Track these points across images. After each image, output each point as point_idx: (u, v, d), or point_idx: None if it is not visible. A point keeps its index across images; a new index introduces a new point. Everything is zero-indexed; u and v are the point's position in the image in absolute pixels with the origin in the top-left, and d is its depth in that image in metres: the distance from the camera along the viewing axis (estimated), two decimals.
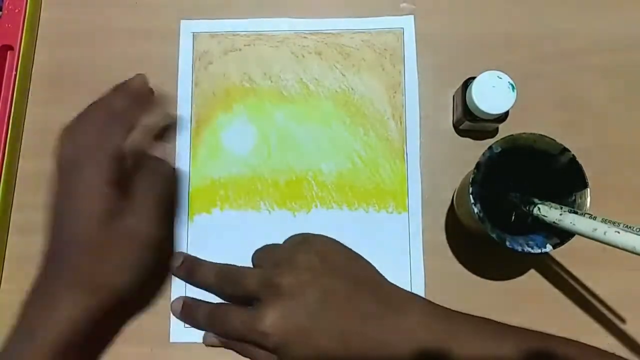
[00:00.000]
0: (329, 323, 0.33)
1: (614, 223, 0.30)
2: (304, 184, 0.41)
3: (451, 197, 0.40)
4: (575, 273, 0.40)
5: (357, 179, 0.41)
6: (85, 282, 0.32)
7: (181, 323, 0.39)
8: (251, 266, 0.38)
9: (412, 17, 0.44)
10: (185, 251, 0.40)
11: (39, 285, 0.33)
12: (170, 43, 0.44)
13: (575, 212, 0.32)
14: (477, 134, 0.42)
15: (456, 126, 0.42)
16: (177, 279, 0.40)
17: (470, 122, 0.39)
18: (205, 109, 0.42)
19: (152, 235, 0.33)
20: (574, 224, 0.31)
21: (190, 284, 0.39)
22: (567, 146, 0.33)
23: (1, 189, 0.40)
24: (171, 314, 0.39)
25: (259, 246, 0.39)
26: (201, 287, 0.38)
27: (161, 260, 0.36)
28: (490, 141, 0.40)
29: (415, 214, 0.41)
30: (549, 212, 0.33)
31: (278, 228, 0.40)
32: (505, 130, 0.40)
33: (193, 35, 0.44)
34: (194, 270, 0.38)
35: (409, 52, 0.43)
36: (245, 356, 0.36)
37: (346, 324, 0.33)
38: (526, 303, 0.39)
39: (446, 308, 0.34)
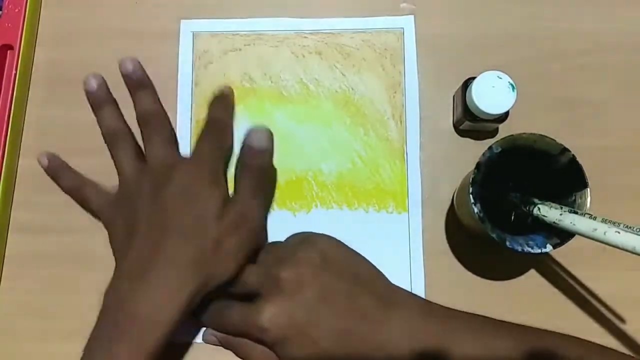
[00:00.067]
0: (327, 320, 0.33)
1: (614, 223, 0.30)
2: (304, 184, 0.41)
3: (451, 197, 0.40)
4: (575, 273, 0.40)
5: (357, 179, 0.41)
6: (196, 275, 0.32)
7: None
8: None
9: (412, 17, 0.44)
10: None
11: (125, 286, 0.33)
12: (170, 43, 0.44)
13: (575, 212, 0.32)
14: (477, 134, 0.42)
15: (456, 126, 0.42)
16: None
17: (470, 122, 0.39)
18: (205, 109, 0.42)
19: (257, 221, 0.35)
20: (574, 224, 0.31)
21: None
22: (567, 146, 0.33)
23: (1, 188, 0.40)
24: None
25: None
26: None
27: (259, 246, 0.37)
28: (490, 141, 0.40)
29: (415, 214, 0.41)
30: (549, 212, 0.33)
31: (278, 228, 0.40)
32: (505, 130, 0.40)
33: (193, 34, 0.44)
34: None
35: (409, 52, 0.43)
36: (241, 357, 0.36)
37: (344, 322, 0.33)
38: (526, 303, 0.39)
39: (445, 307, 0.34)
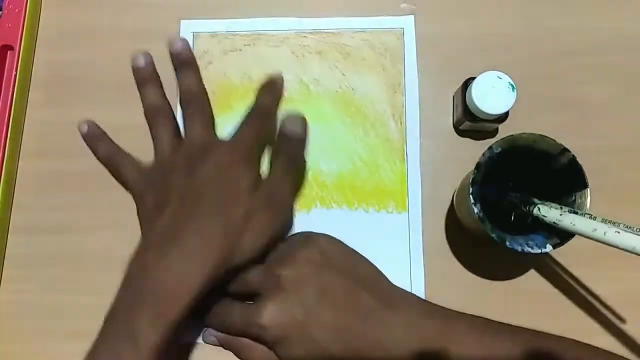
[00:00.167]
0: (327, 319, 0.33)
1: (614, 223, 0.30)
2: (304, 184, 0.41)
3: (451, 197, 0.40)
4: (575, 273, 0.40)
5: (357, 179, 0.41)
6: (222, 249, 0.32)
7: None
8: None
9: (412, 17, 0.44)
10: None
11: (148, 260, 0.33)
12: None
13: (575, 212, 0.32)
14: (477, 134, 0.42)
15: (456, 126, 0.42)
16: None
17: (470, 122, 0.39)
18: None
19: (286, 204, 0.36)
20: (574, 224, 0.31)
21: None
22: (567, 146, 0.33)
23: (1, 188, 0.40)
24: None
25: None
26: None
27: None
28: (490, 141, 0.40)
29: (415, 214, 0.41)
30: (549, 212, 0.33)
31: None
32: (505, 130, 0.40)
33: (193, 35, 0.44)
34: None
35: (409, 52, 0.43)
36: (242, 358, 0.36)
37: (344, 321, 0.33)
38: (526, 303, 0.39)
39: (444, 307, 0.34)
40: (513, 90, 0.37)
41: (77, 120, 0.43)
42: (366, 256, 0.37)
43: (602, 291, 0.39)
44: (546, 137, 0.34)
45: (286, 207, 0.36)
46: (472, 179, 0.33)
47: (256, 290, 0.34)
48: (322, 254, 0.35)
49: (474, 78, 0.38)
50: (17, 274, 0.41)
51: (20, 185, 0.42)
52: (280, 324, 0.32)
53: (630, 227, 0.29)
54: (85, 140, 0.41)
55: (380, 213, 0.41)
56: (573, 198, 0.34)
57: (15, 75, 0.42)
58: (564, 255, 0.39)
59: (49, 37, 0.45)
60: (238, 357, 0.36)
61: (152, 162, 0.38)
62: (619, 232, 0.29)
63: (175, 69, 0.40)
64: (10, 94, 0.42)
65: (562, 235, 0.33)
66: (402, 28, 0.44)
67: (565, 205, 0.33)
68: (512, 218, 0.36)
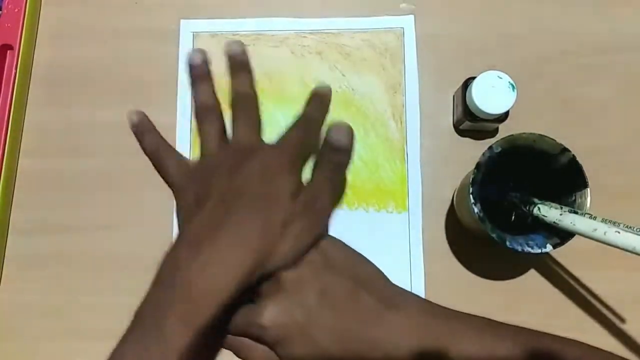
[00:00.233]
0: (328, 319, 0.33)
1: (614, 223, 0.30)
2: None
3: (451, 197, 0.40)
4: (575, 273, 0.40)
5: (357, 178, 0.41)
6: (258, 254, 0.32)
7: None
8: None
9: (412, 17, 0.44)
10: None
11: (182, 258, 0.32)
12: (170, 43, 0.44)
13: (575, 212, 0.32)
14: (477, 134, 0.42)
15: (456, 126, 0.42)
16: None
17: (471, 122, 0.39)
18: None
19: (325, 212, 0.35)
20: (574, 224, 0.31)
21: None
22: (567, 146, 0.33)
23: (1, 188, 0.40)
24: None
25: None
26: None
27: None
28: (490, 141, 0.40)
29: (415, 214, 0.41)
30: (549, 212, 0.33)
31: None
32: (505, 130, 0.40)
33: (193, 35, 0.44)
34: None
35: (409, 52, 0.43)
36: (242, 358, 0.36)
37: (345, 322, 0.33)
38: (526, 303, 0.39)
39: (444, 307, 0.34)
40: (513, 90, 0.37)
41: (77, 120, 0.43)
42: (366, 256, 0.37)
43: (602, 291, 0.39)
44: (546, 137, 0.34)
45: (325, 215, 0.36)
46: (472, 179, 0.33)
47: (257, 290, 0.34)
48: (323, 255, 0.35)
49: (474, 78, 0.38)
50: (17, 274, 0.41)
51: (20, 185, 0.42)
52: (280, 324, 0.32)
53: (630, 227, 0.29)
54: (133, 130, 0.41)
55: (380, 213, 0.41)
56: (573, 198, 0.34)
57: (15, 74, 0.42)
58: (564, 255, 0.39)
59: (49, 36, 0.45)
60: (238, 356, 0.36)
61: (197, 159, 0.38)
62: (619, 232, 0.29)
63: (230, 70, 0.40)
64: (10, 93, 0.42)
65: (562, 235, 0.33)
66: (402, 28, 0.44)
67: (565, 205, 0.33)
68: (512, 218, 0.36)
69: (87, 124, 0.43)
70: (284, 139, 0.37)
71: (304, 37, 0.44)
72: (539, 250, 0.33)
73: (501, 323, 0.33)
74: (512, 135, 0.34)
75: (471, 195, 0.33)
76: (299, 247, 0.34)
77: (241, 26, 0.44)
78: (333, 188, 0.37)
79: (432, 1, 0.44)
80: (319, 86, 0.39)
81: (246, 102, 0.39)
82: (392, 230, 0.41)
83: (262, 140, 0.38)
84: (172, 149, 0.40)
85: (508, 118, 0.39)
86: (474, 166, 0.34)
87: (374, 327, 0.32)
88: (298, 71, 0.43)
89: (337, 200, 0.40)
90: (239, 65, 0.40)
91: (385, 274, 0.37)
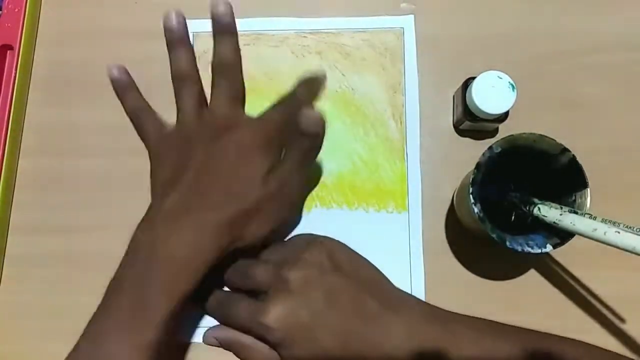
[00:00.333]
0: (332, 322, 0.33)
1: (614, 223, 0.30)
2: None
3: (451, 197, 0.40)
4: (575, 273, 0.40)
5: (357, 178, 0.41)
6: (233, 229, 0.33)
7: None
8: None
9: (412, 16, 0.44)
10: None
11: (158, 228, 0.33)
12: None
13: (575, 212, 0.32)
14: (477, 134, 0.42)
15: (456, 126, 0.42)
16: None
17: (470, 122, 0.39)
18: None
19: (294, 194, 0.36)
20: (574, 224, 0.31)
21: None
22: (567, 146, 0.33)
23: (1, 188, 0.40)
24: None
25: None
26: None
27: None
28: (490, 141, 0.40)
29: (415, 214, 0.41)
30: (549, 212, 0.33)
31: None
32: (505, 130, 0.40)
33: (193, 35, 0.44)
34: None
35: (409, 52, 0.43)
36: (241, 358, 0.36)
37: (348, 324, 0.33)
38: (526, 303, 0.39)
39: (445, 310, 0.34)
40: (513, 90, 0.37)
41: (77, 120, 0.43)
42: (366, 256, 0.37)
43: (602, 291, 0.39)
44: (546, 137, 0.34)
45: (293, 200, 0.37)
46: (472, 179, 0.33)
47: (263, 288, 0.34)
48: (330, 258, 0.35)
49: (474, 78, 0.38)
50: (17, 274, 0.41)
51: (20, 184, 0.42)
52: (286, 325, 0.32)
53: (630, 227, 0.29)
54: (113, 86, 0.40)
55: (380, 213, 0.41)
56: (573, 198, 0.34)
57: (15, 74, 0.42)
58: (564, 255, 0.39)
59: (49, 36, 0.45)
60: (238, 357, 0.36)
61: (174, 125, 0.38)
62: (619, 232, 0.29)
63: (213, 35, 0.38)
64: (10, 93, 0.42)
65: (562, 235, 0.33)
66: (402, 27, 0.44)
67: (565, 205, 0.33)
68: (512, 218, 0.36)
69: (87, 124, 0.43)
70: (264, 116, 0.36)
71: (304, 37, 0.44)
72: (539, 250, 0.33)
73: (501, 324, 0.33)
74: (512, 135, 0.34)
75: (471, 195, 0.33)
76: (266, 228, 0.35)
77: (241, 26, 0.44)
78: (304, 173, 0.37)
79: (432, 1, 0.44)
80: (314, 70, 0.38)
81: (228, 70, 0.38)
82: (392, 230, 0.41)
83: (242, 112, 0.38)
84: (152, 111, 0.40)
85: (508, 118, 0.39)
86: (474, 166, 0.34)
87: (375, 329, 0.33)
88: (298, 71, 0.43)
89: (305, 187, 0.40)
90: (224, 27, 0.38)
91: (385, 274, 0.37)
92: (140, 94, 0.40)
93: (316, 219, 0.41)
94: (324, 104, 0.43)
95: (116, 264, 0.40)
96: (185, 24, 0.39)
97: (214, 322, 0.38)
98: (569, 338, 0.32)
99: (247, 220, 0.33)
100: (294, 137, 0.35)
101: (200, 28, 0.44)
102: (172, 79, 0.39)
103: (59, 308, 0.40)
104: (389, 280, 0.36)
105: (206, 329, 0.38)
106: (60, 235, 0.41)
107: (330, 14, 0.44)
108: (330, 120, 0.42)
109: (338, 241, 0.37)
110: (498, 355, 0.31)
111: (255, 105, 0.43)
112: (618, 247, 0.28)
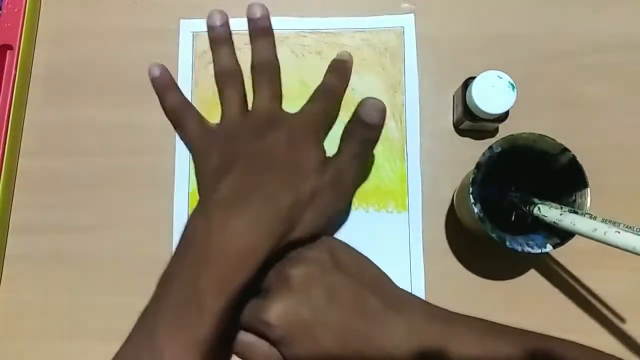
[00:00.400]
0: (333, 320, 0.33)
1: (614, 223, 0.30)
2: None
3: (451, 197, 0.40)
4: (575, 273, 0.40)
5: None
6: (287, 221, 0.33)
7: None
8: None
9: (412, 16, 0.44)
10: None
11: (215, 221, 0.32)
12: (170, 43, 0.44)
13: (576, 212, 0.32)
14: (477, 134, 0.42)
15: (456, 126, 0.42)
16: None
17: (471, 121, 0.39)
18: (205, 108, 0.42)
19: (350, 186, 0.37)
20: (574, 224, 0.31)
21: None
22: (567, 146, 0.33)
23: (1, 188, 0.40)
24: None
25: None
26: None
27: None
28: (490, 141, 0.40)
29: (415, 213, 0.41)
30: (549, 212, 0.33)
31: None
32: (505, 130, 0.40)
33: (193, 34, 0.44)
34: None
35: (409, 51, 0.43)
36: (245, 358, 0.36)
37: (349, 322, 0.33)
38: (526, 303, 0.39)
39: (446, 310, 0.34)
40: (513, 90, 0.37)
41: (77, 120, 0.43)
42: (366, 256, 0.37)
43: (602, 291, 0.39)
44: (546, 136, 0.34)
45: (349, 191, 0.37)
46: (472, 179, 0.33)
47: (264, 286, 0.34)
48: (332, 256, 0.35)
49: (474, 78, 0.38)
50: (17, 274, 0.41)
51: (20, 184, 0.42)
52: (287, 323, 0.32)
53: (630, 227, 0.29)
54: (153, 85, 0.40)
55: (380, 213, 0.41)
56: (573, 198, 0.34)
57: (15, 74, 0.42)
58: (564, 255, 0.40)
59: (49, 36, 0.45)
60: (239, 356, 0.36)
61: (218, 123, 0.38)
62: (619, 232, 0.29)
63: (250, 37, 0.39)
64: (9, 93, 0.42)
65: (562, 235, 0.33)
66: (402, 27, 0.44)
67: (566, 205, 0.33)
68: (512, 218, 0.36)
69: (87, 124, 0.43)
70: (307, 109, 0.38)
71: (304, 36, 0.44)
72: (539, 250, 0.33)
73: (502, 325, 0.33)
74: (512, 135, 0.34)
75: (471, 195, 0.33)
76: (322, 219, 0.34)
77: (241, 26, 0.44)
78: (358, 164, 0.37)
79: (432, 1, 0.44)
80: (340, 54, 0.39)
81: (268, 70, 0.39)
82: (392, 230, 0.41)
83: (281, 108, 0.38)
84: (193, 108, 0.40)
85: (508, 118, 0.39)
86: (474, 166, 0.34)
87: (377, 327, 0.32)
88: (298, 71, 0.43)
89: (361, 176, 0.40)
90: (260, 30, 0.40)
91: (386, 273, 0.37)
92: (181, 92, 0.40)
93: None
94: None
95: (116, 264, 0.41)
96: (229, 23, 0.40)
97: None
98: (569, 340, 0.32)
99: (302, 210, 0.33)
100: (353, 127, 0.36)
101: (200, 28, 0.44)
102: (216, 76, 0.39)
103: (59, 308, 0.40)
104: (390, 280, 0.36)
105: None
106: (60, 235, 0.41)
107: (330, 13, 0.44)
108: None
109: (339, 240, 0.37)
110: (499, 356, 0.31)
111: None
112: (618, 247, 0.28)
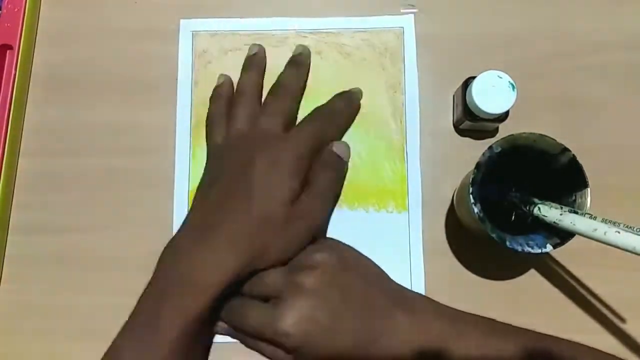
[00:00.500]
0: (349, 322, 0.33)
1: (614, 223, 0.30)
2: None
3: (451, 197, 0.40)
4: (575, 273, 0.40)
5: (357, 178, 0.41)
6: (254, 249, 0.33)
7: None
8: None
9: (412, 16, 0.44)
10: None
11: (185, 247, 0.33)
12: (170, 42, 0.44)
13: (576, 212, 0.32)
14: (477, 134, 0.42)
15: (456, 126, 0.42)
16: None
17: (471, 121, 0.39)
18: (205, 108, 0.42)
19: (321, 219, 0.37)
20: (574, 224, 0.31)
21: None
22: (567, 146, 0.33)
23: (1, 188, 0.40)
24: None
25: None
26: None
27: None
28: (490, 141, 0.40)
29: (415, 213, 0.41)
30: (549, 212, 0.33)
31: None
32: (505, 130, 0.40)
33: (193, 34, 0.44)
34: None
35: (409, 52, 0.43)
36: (258, 350, 0.35)
37: (362, 321, 0.33)
38: (526, 303, 0.39)
39: (452, 308, 0.34)
40: (513, 90, 0.37)
41: (77, 120, 0.43)
42: (366, 255, 0.37)
43: (602, 291, 0.39)
44: (546, 136, 0.34)
45: (318, 224, 0.37)
46: (472, 179, 0.33)
47: (275, 294, 0.34)
48: (339, 258, 0.35)
49: (474, 77, 0.38)
50: (17, 274, 0.41)
51: (20, 184, 0.42)
52: (305, 329, 0.32)
53: (630, 227, 0.29)
54: (215, 90, 0.42)
55: (380, 213, 0.41)
56: (573, 198, 0.34)
57: (15, 74, 0.42)
58: (564, 255, 0.39)
59: (48, 36, 0.45)
60: (253, 349, 0.36)
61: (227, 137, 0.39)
62: (619, 232, 0.29)
63: (286, 64, 0.42)
64: (9, 93, 0.42)
65: (562, 235, 0.33)
66: (402, 27, 0.44)
67: (566, 205, 0.33)
68: (512, 218, 0.36)
69: (87, 124, 0.43)
70: (300, 128, 0.38)
71: (304, 36, 0.44)
72: (539, 250, 0.33)
73: (508, 325, 0.33)
74: (512, 135, 0.34)
75: (471, 195, 0.33)
76: (290, 251, 0.34)
77: (241, 26, 0.44)
78: (330, 197, 0.38)
79: (432, 1, 0.44)
80: (353, 88, 0.42)
81: (283, 91, 0.40)
82: (392, 230, 0.41)
83: (281, 129, 0.38)
84: (223, 120, 0.40)
85: (508, 118, 0.39)
86: (474, 166, 0.34)
87: (386, 325, 0.32)
88: None
89: (332, 207, 0.41)
90: (295, 62, 0.42)
91: (385, 272, 0.37)
92: (226, 104, 0.41)
93: None
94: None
95: (116, 264, 0.41)
96: (265, 57, 0.42)
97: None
98: (572, 341, 0.32)
99: (270, 237, 0.34)
100: (324, 162, 0.37)
101: (200, 27, 0.44)
102: (235, 92, 0.41)
103: (59, 308, 0.40)
104: (390, 277, 0.36)
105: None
106: (60, 235, 0.41)
107: (330, 14, 0.44)
108: None
109: (341, 242, 0.37)
110: (505, 355, 0.31)
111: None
112: (618, 247, 0.28)
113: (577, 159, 0.33)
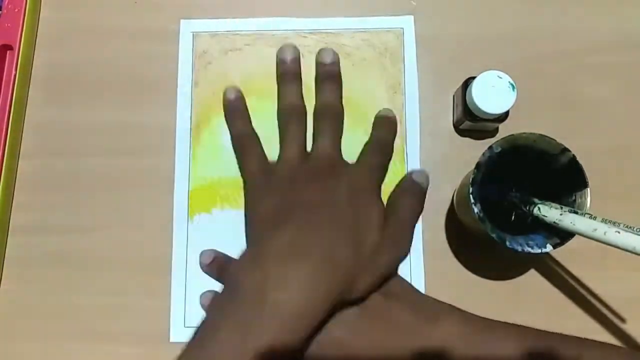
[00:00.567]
0: (366, 335, 0.30)
1: (614, 223, 0.30)
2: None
3: (451, 197, 0.40)
4: (575, 273, 0.40)
5: None
6: (348, 277, 0.29)
7: (181, 322, 0.39)
8: None
9: (411, 16, 0.44)
10: (184, 251, 0.40)
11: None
12: (170, 43, 0.44)
13: (576, 212, 0.32)
14: (477, 134, 0.42)
15: (456, 126, 0.42)
16: (176, 277, 0.40)
17: (471, 122, 0.39)
18: (205, 108, 0.42)
19: (409, 247, 0.33)
20: (574, 224, 0.31)
21: (219, 280, 0.37)
22: (567, 146, 0.33)
23: (1, 189, 0.40)
24: (171, 313, 0.39)
25: None
26: None
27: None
28: (490, 141, 0.40)
29: None
30: (549, 212, 0.33)
31: None
32: (505, 130, 0.40)
33: (193, 34, 0.44)
34: (225, 268, 0.37)
35: (408, 52, 0.43)
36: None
37: (383, 336, 0.31)
38: (526, 303, 0.39)
39: (480, 317, 0.32)
40: (513, 90, 0.37)
41: (77, 120, 0.43)
42: None
43: (602, 291, 0.39)
44: (546, 136, 0.34)
45: (406, 250, 0.33)
46: (472, 179, 0.33)
47: None
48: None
49: (474, 78, 0.38)
50: (17, 274, 0.41)
51: (20, 185, 0.42)
52: (320, 344, 0.30)
53: (630, 227, 0.29)
54: (226, 108, 0.40)
55: None
56: (573, 198, 0.34)
57: (15, 75, 0.42)
58: (564, 255, 0.40)
59: (49, 36, 0.45)
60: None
61: (276, 163, 0.36)
62: (619, 232, 0.29)
63: (317, 79, 0.40)
64: (9, 93, 0.42)
65: (562, 235, 0.33)
66: (402, 28, 0.44)
67: (566, 205, 0.33)
68: (512, 218, 0.36)
69: (87, 124, 0.43)
70: (363, 161, 0.36)
71: (304, 37, 0.44)
72: (539, 250, 0.33)
73: (540, 331, 0.31)
74: (512, 135, 0.34)
75: (471, 195, 0.33)
76: (380, 278, 0.31)
77: (241, 26, 0.44)
78: (415, 223, 0.34)
79: (432, 1, 0.44)
80: (385, 110, 0.40)
81: (333, 115, 0.38)
82: None
83: (343, 158, 0.37)
84: (257, 142, 0.39)
85: (508, 118, 0.39)
86: (474, 166, 0.34)
87: (413, 341, 0.30)
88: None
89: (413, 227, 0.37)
90: (328, 74, 0.40)
91: (409, 282, 0.35)
92: (250, 122, 0.40)
93: None
94: None
95: (116, 264, 0.41)
96: (299, 59, 0.39)
97: None
98: (611, 344, 0.31)
99: (361, 269, 0.30)
100: (405, 187, 0.34)
101: (200, 28, 0.44)
102: (279, 111, 0.39)
103: (59, 308, 0.40)
104: (412, 286, 0.33)
105: None
106: (60, 235, 0.41)
107: (330, 14, 0.44)
108: None
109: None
110: (508, 355, 0.30)
111: (256, 105, 0.43)
112: (618, 247, 0.28)
113: (577, 159, 0.33)
